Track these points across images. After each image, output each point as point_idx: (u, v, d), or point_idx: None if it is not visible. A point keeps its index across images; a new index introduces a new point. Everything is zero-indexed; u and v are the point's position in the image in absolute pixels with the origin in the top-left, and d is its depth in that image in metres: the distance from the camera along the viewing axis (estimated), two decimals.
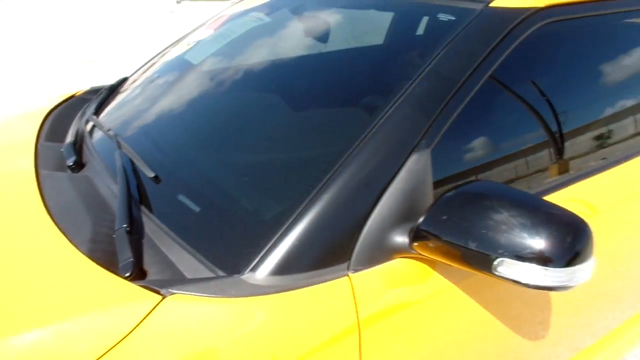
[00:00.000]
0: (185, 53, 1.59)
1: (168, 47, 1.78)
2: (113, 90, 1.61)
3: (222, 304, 0.69)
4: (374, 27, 1.39)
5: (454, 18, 1.02)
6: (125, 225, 0.83)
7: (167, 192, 0.98)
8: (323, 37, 1.37)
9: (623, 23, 1.20)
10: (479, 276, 0.84)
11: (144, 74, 1.61)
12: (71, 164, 1.15)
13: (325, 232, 0.77)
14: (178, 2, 16.72)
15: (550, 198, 0.98)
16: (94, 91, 1.73)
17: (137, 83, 1.56)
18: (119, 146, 1.12)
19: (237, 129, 1.11)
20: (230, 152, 1.05)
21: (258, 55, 1.39)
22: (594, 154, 1.10)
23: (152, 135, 1.19)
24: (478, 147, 0.94)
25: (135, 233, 0.85)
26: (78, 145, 1.28)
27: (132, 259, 0.76)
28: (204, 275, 0.76)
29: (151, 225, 0.88)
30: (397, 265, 0.81)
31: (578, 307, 1.09)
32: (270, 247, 0.76)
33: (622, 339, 1.30)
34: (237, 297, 0.70)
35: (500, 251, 0.69)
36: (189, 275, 0.77)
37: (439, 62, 0.92)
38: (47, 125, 1.43)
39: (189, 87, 1.34)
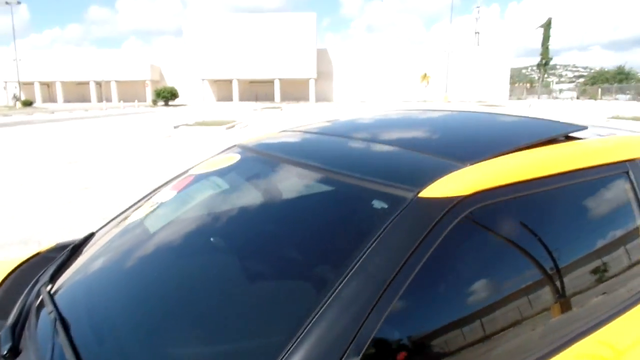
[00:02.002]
0: (145, 218, 1.58)
1: (134, 204, 1.76)
2: (75, 251, 1.53)
3: None
4: (315, 207, 1.38)
5: (386, 206, 1.05)
6: None
7: None
8: (266, 213, 1.41)
9: (549, 201, 1.24)
10: None
11: (105, 236, 1.58)
12: (5, 352, 1.04)
13: None
14: (175, 127, 17.60)
15: None
16: (61, 248, 1.60)
17: (95, 248, 1.53)
18: (55, 332, 1.05)
19: (183, 315, 1.09)
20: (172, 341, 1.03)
21: (208, 227, 1.43)
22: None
23: (95, 318, 1.14)
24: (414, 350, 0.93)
25: None
26: (19, 327, 1.15)
27: None
28: None
29: None
30: None
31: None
32: None
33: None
34: None
35: None
36: None
37: (367, 258, 0.92)
38: None
39: (142, 264, 1.32)
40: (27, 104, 46.65)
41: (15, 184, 7.44)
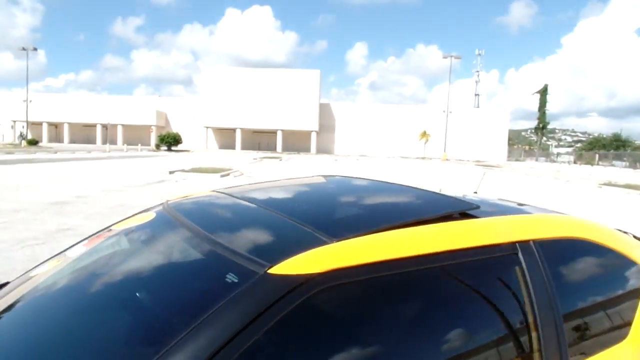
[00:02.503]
0: (46, 272, 1.59)
1: (50, 258, 1.75)
2: None
3: None
4: (175, 272, 1.38)
5: (236, 280, 1.05)
6: None
7: None
8: (130, 275, 1.41)
9: (423, 283, 1.22)
10: None
11: (10, 286, 1.58)
12: None
13: None
14: (171, 173, 17.79)
15: None
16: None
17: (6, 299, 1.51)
18: None
19: None
20: None
21: (92, 282, 1.45)
22: None
23: None
24: None
25: None
26: None
27: None
28: None
29: None
30: None
31: None
32: None
33: None
34: None
35: None
36: None
37: (198, 331, 0.92)
38: None
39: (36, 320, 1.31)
40: (33, 142, 47.43)
41: None
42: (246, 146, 60.10)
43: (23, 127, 52.53)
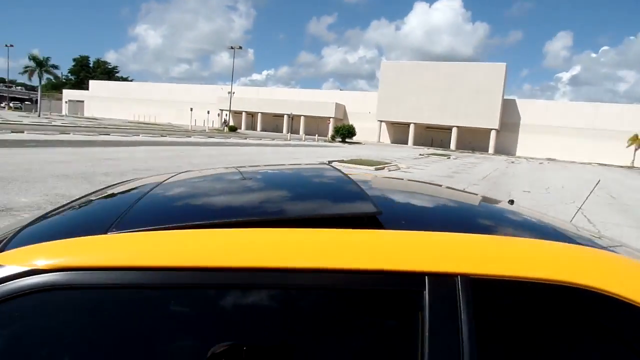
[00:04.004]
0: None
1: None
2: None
3: None
4: None
5: None
6: None
7: None
8: None
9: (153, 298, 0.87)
10: None
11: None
12: None
13: None
14: (329, 163, 18.44)
15: None
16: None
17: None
18: None
19: None
20: None
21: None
22: None
23: None
24: None
25: None
26: None
27: None
28: None
29: None
30: None
31: None
32: None
33: None
34: None
35: None
36: None
37: None
38: None
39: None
40: (232, 129, 55.10)
41: None
42: (418, 142, 59.02)
43: (226, 115, 61.39)
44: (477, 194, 1.92)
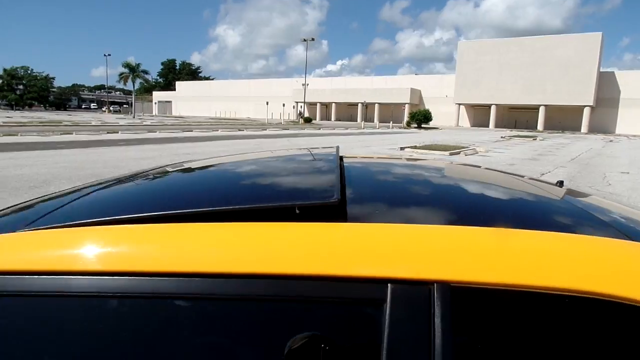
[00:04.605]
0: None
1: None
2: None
3: None
4: None
5: None
6: None
7: None
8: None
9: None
10: None
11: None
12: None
13: None
14: (401, 149, 18.00)
15: None
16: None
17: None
18: None
19: None
20: None
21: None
22: None
23: None
24: None
25: None
26: None
27: None
28: None
29: None
30: None
31: None
32: None
33: None
34: None
35: None
36: None
37: None
38: None
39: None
40: (307, 120, 55.83)
41: None
42: (501, 124, 55.54)
43: (301, 106, 62.42)
44: (506, 172, 1.59)
